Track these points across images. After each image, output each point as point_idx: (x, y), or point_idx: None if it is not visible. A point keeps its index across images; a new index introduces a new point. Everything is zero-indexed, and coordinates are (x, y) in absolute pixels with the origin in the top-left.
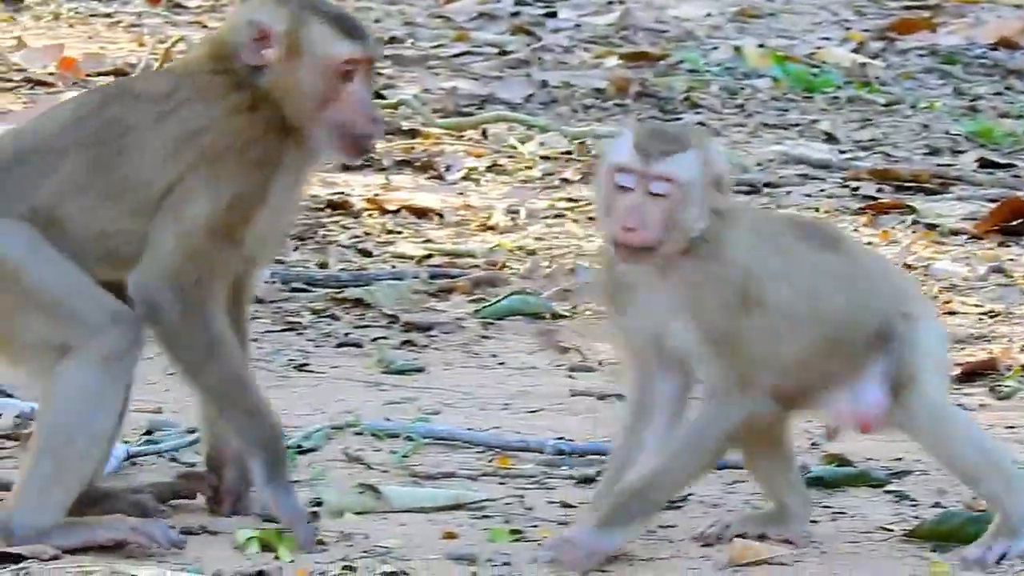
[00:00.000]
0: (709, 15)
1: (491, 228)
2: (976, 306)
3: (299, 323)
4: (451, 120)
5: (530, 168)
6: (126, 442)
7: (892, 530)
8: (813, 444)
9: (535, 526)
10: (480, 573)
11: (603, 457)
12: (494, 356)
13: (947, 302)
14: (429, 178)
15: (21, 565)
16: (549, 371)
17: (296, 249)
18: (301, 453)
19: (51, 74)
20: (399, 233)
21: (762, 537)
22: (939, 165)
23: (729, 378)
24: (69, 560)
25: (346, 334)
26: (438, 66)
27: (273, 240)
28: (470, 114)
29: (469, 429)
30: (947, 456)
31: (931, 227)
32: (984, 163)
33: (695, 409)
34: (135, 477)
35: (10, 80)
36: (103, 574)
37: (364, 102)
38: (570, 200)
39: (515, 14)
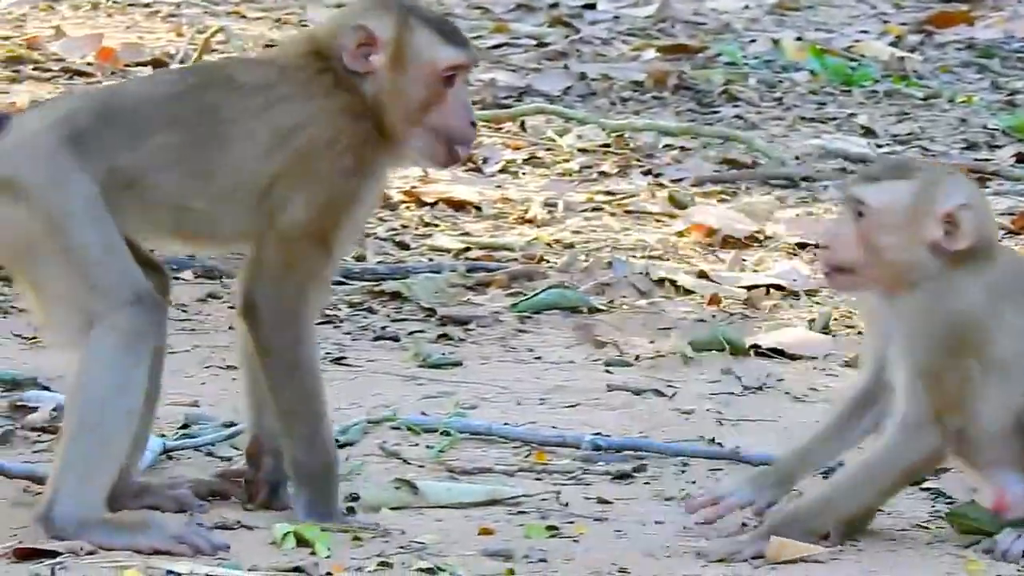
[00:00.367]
0: (747, 7)
1: (528, 221)
2: None
3: (336, 316)
4: (489, 112)
5: (568, 161)
6: (162, 436)
7: (928, 527)
8: None
9: (571, 522)
10: (516, 569)
11: (639, 452)
12: (531, 350)
13: None
14: (467, 170)
15: (57, 560)
16: (586, 366)
17: None
18: (339, 448)
19: (89, 64)
20: (436, 226)
21: None
22: (976, 160)
23: (923, 412)
24: (104, 556)
25: (383, 327)
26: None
27: (351, 242)
28: (508, 106)
29: (505, 424)
30: None
31: None
32: (1021, 158)
33: (881, 438)
34: (172, 471)
35: (48, 70)
36: (139, 570)
37: (466, 107)
38: (608, 193)
39: (553, 5)
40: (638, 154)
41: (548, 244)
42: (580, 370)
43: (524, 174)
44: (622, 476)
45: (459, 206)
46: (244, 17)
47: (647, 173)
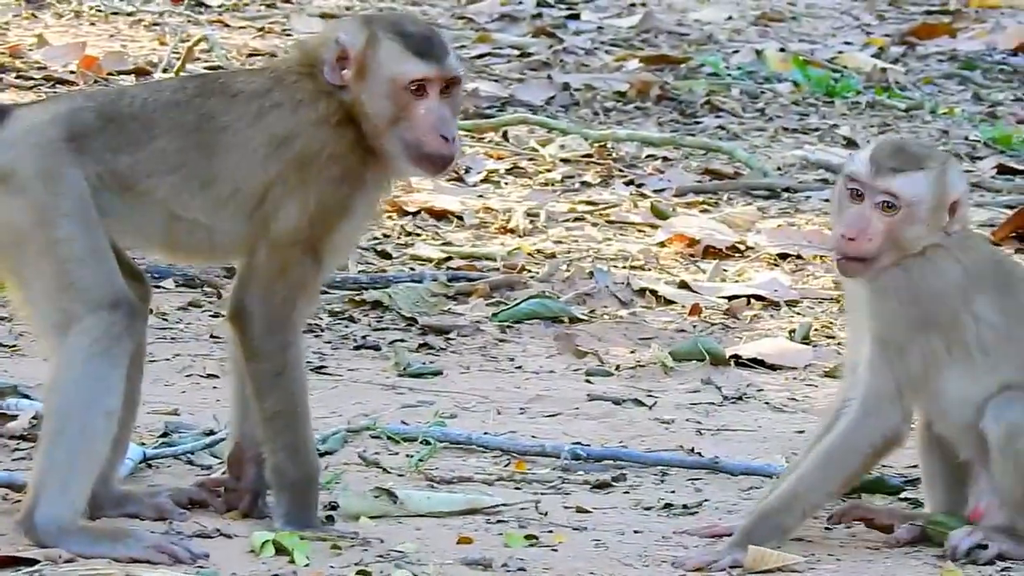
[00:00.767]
0: (730, 19)
1: (510, 231)
2: None
3: (317, 325)
4: (472, 122)
5: (550, 171)
6: (142, 444)
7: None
8: None
9: (550, 531)
10: None
11: (618, 462)
12: (511, 360)
13: None
14: (449, 180)
15: (35, 568)
16: (566, 375)
17: None
18: (319, 456)
19: (72, 72)
20: (418, 235)
21: None
22: None
23: (886, 389)
24: (82, 564)
25: (364, 336)
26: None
27: (345, 253)
28: (491, 116)
29: (485, 433)
30: None
31: None
32: (1002, 169)
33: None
34: (152, 479)
35: (31, 78)
36: None
37: (436, 121)
38: (590, 203)
39: (537, 16)
40: (620, 164)
41: (529, 254)
42: (560, 380)
43: (506, 184)
44: (601, 485)
45: (441, 216)
46: (227, 26)
47: (629, 183)
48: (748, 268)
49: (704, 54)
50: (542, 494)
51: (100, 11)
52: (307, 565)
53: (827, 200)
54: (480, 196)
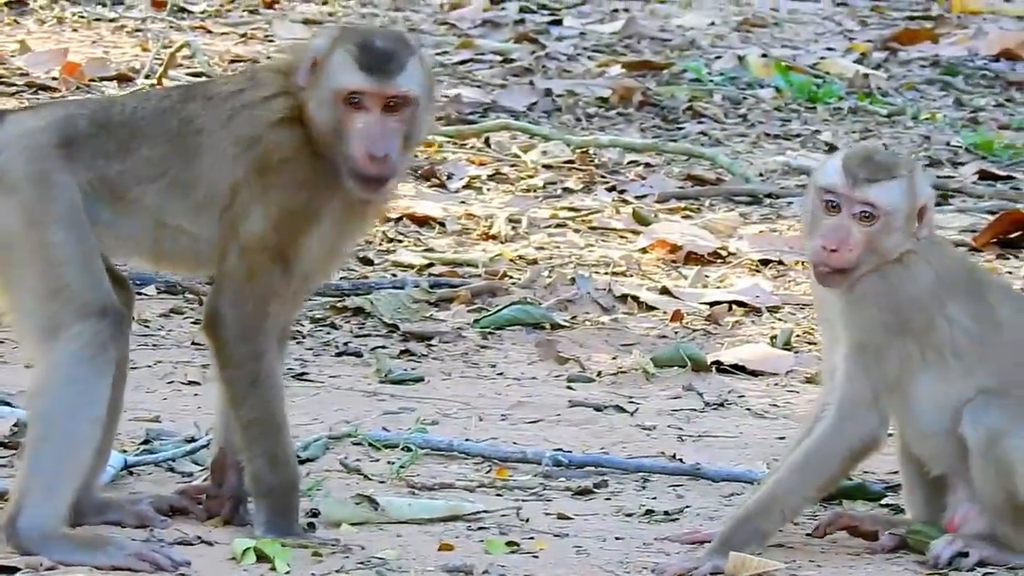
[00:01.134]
0: (713, 24)
1: (492, 237)
2: None
3: (298, 332)
4: (454, 128)
5: (532, 177)
6: (124, 451)
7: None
8: None
9: (531, 538)
10: None
11: (600, 468)
12: (493, 366)
13: None
14: (431, 186)
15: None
16: (548, 382)
17: None
18: (299, 463)
19: (54, 79)
20: (400, 241)
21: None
22: (939, 177)
23: (862, 393)
24: (63, 571)
25: (345, 343)
26: (442, 73)
27: (327, 266)
28: (473, 122)
29: (467, 440)
30: None
31: None
32: (984, 175)
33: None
34: (133, 487)
35: (13, 84)
36: None
37: (366, 137)
38: (572, 209)
39: (520, 22)
40: (602, 170)
41: (512, 260)
42: (542, 386)
43: (488, 190)
44: (583, 492)
45: (423, 222)
46: (210, 32)
47: (611, 189)
48: (730, 274)
49: (686, 60)
50: (523, 501)
51: (83, 17)
52: (288, 572)
53: None
54: (462, 202)
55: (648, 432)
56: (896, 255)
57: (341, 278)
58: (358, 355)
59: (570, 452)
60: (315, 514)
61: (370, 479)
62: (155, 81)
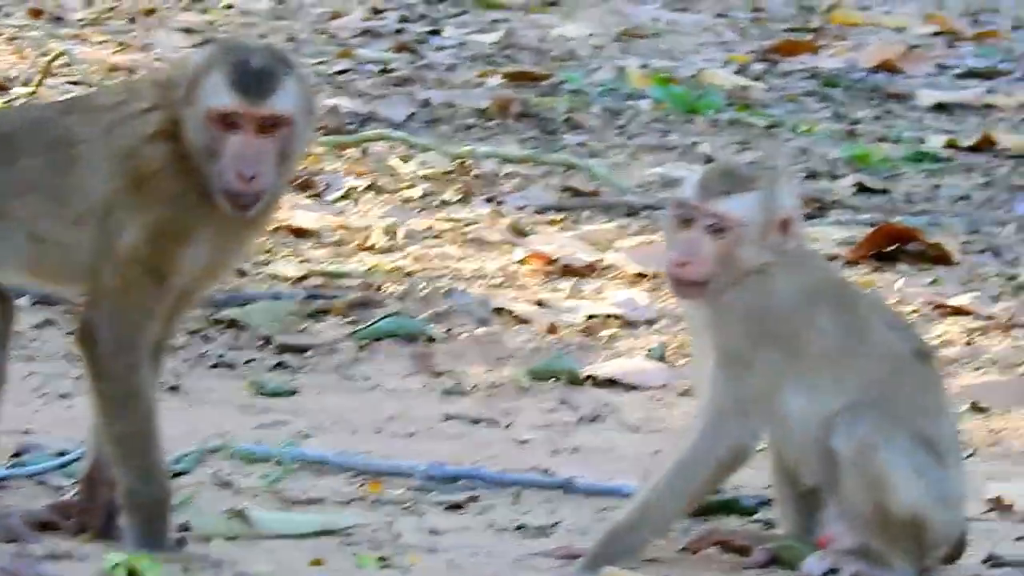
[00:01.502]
0: (593, 35)
1: (369, 249)
2: None
3: (173, 343)
4: (332, 138)
5: (410, 188)
6: None
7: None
8: None
9: (403, 553)
10: None
11: (473, 482)
12: (368, 379)
13: None
14: (308, 196)
15: None
16: (422, 395)
17: None
18: (172, 477)
19: None
20: (276, 252)
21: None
22: (817, 189)
23: (729, 404)
24: None
25: (220, 355)
26: (320, 83)
27: (206, 281)
28: (351, 132)
29: (340, 453)
30: None
31: None
32: (861, 188)
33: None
34: (3, 500)
35: None
36: None
37: (238, 158)
38: (449, 221)
39: (399, 31)
40: (480, 181)
41: (388, 272)
42: (417, 399)
43: (366, 201)
44: (455, 506)
45: (299, 233)
46: (87, 41)
47: (489, 201)
48: (606, 287)
49: (566, 71)
50: (396, 515)
51: None
52: None
53: None
54: (339, 213)
55: (522, 446)
56: (755, 267)
57: (216, 290)
58: (232, 368)
59: (443, 466)
60: (187, 528)
61: (242, 493)
62: (32, 90)
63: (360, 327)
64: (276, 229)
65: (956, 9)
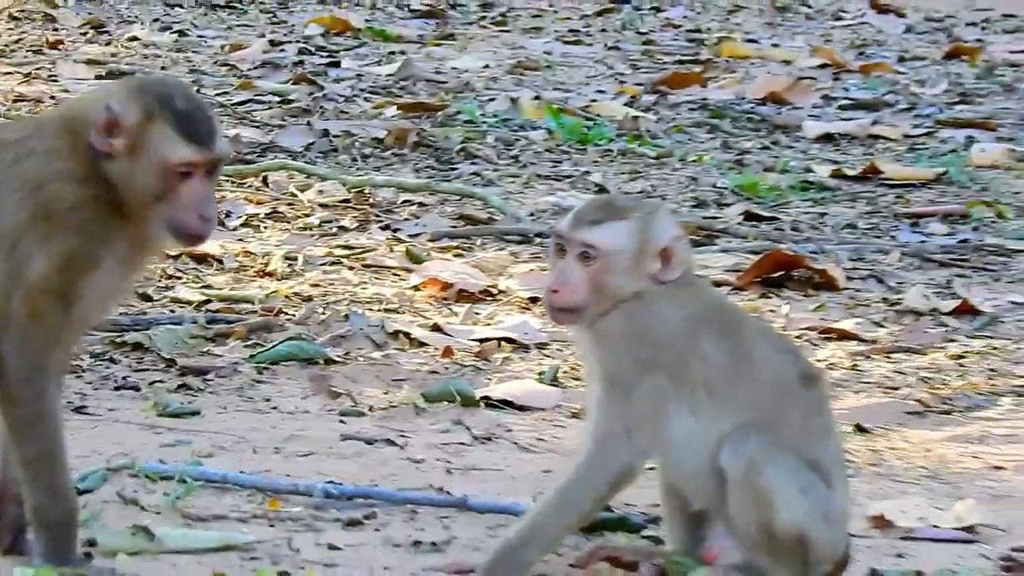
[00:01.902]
0: (487, 67)
1: (269, 274)
2: None
3: (78, 366)
4: (233, 168)
5: (309, 215)
6: None
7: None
8: None
9: (302, 568)
10: None
11: (369, 500)
12: (267, 400)
13: None
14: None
15: None
16: (321, 416)
17: None
18: (78, 494)
19: None
20: (178, 278)
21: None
22: (705, 217)
23: (614, 426)
24: None
25: (124, 377)
26: (221, 114)
27: (104, 308)
28: (251, 162)
29: (241, 472)
30: None
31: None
32: (748, 216)
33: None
34: None
35: None
36: None
37: (197, 203)
38: (347, 247)
39: (298, 63)
40: (377, 209)
41: (287, 297)
42: (315, 420)
43: (266, 228)
44: (353, 523)
45: (201, 259)
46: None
47: (386, 228)
48: (499, 311)
49: (461, 102)
50: (295, 532)
51: None
52: None
53: None
54: (240, 240)
55: (417, 465)
56: (630, 293)
57: (121, 314)
58: (136, 389)
59: (341, 484)
60: (92, 543)
61: (146, 510)
62: None
63: (260, 350)
64: (179, 255)
65: (843, 43)
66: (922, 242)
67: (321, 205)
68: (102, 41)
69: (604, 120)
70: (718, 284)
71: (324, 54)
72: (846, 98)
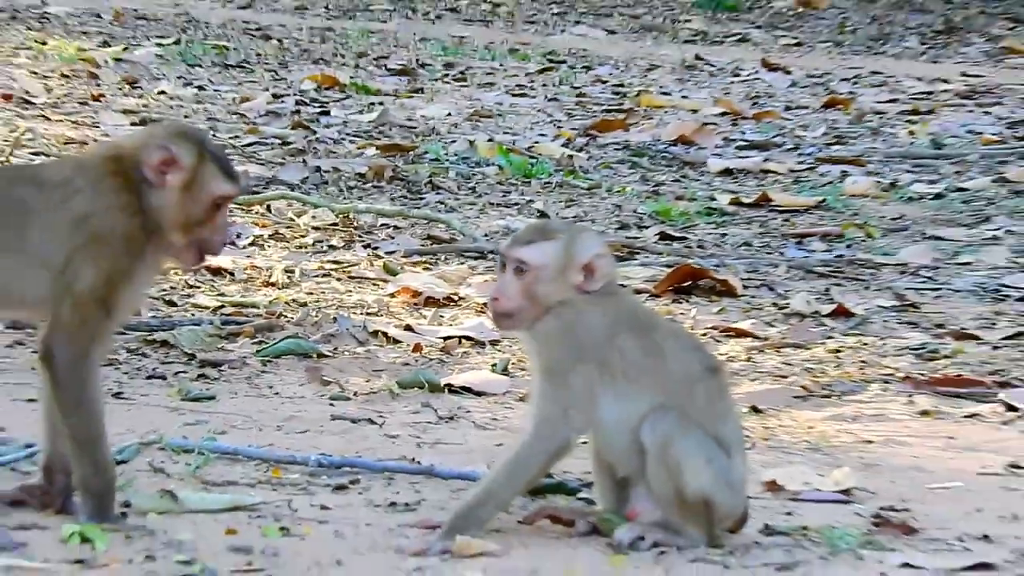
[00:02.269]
0: (450, 115)
1: (271, 284)
2: None
3: (116, 359)
4: (242, 198)
5: (304, 236)
6: None
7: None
8: None
9: (299, 524)
10: (254, 561)
11: (354, 469)
12: (271, 387)
13: None
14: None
15: None
16: (314, 400)
17: None
18: (116, 464)
19: None
20: (198, 288)
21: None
22: (628, 237)
23: (554, 409)
24: None
25: (153, 369)
26: (233, 153)
27: (134, 306)
28: (257, 192)
29: (249, 446)
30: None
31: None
32: (663, 236)
33: (521, 434)
34: None
35: None
36: None
37: (224, 227)
38: (335, 262)
39: (296, 112)
40: (360, 231)
41: (287, 303)
42: (309, 403)
43: (269, 247)
44: (340, 488)
45: (216, 272)
46: (48, 119)
47: (367, 246)
48: (460, 314)
49: (428, 143)
50: (293, 495)
51: None
52: (105, 551)
53: None
54: (248, 256)
55: (393, 440)
56: (556, 301)
57: (151, 317)
58: (163, 378)
59: (330, 456)
60: (127, 505)
61: (171, 477)
62: (4, 159)
63: (264, 346)
64: (198, 269)
65: (739, 95)
66: (805, 257)
67: (314, 228)
68: (136, 94)
69: (545, 158)
70: (638, 292)
71: (316, 105)
72: (742, 140)
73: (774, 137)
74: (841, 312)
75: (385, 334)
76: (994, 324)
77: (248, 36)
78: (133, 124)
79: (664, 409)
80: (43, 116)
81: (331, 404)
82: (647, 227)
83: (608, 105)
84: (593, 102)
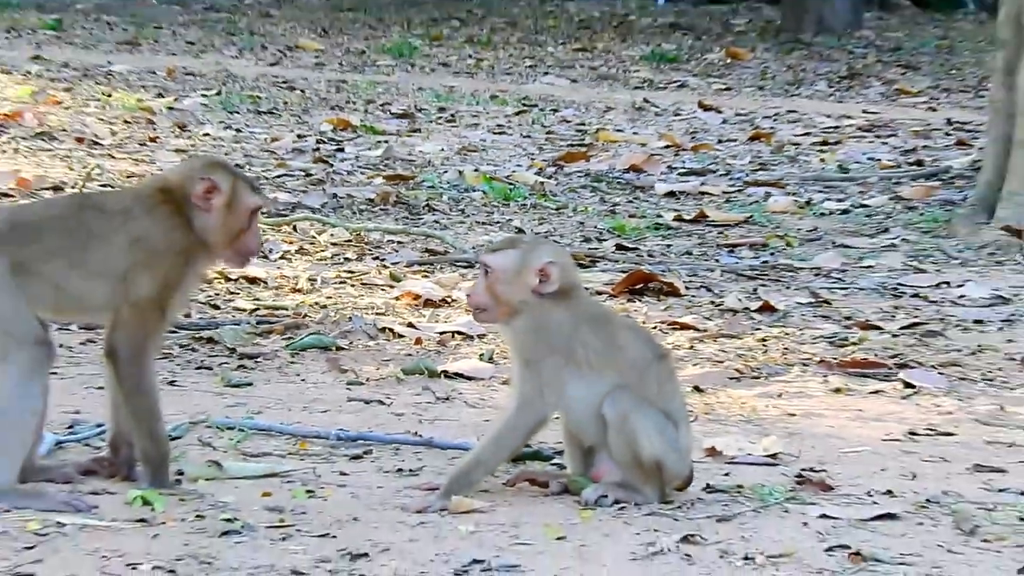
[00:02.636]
0: (443, 150)
1: (298, 291)
2: None
3: (170, 354)
4: (272, 219)
5: (324, 251)
6: (55, 433)
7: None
8: None
9: (322, 487)
10: (285, 518)
11: (368, 442)
12: (298, 375)
13: None
14: (259, 257)
15: None
16: (334, 385)
17: None
18: (170, 440)
19: (11, 188)
20: (237, 293)
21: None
22: (590, 248)
23: (531, 391)
24: (14, 513)
25: (201, 361)
26: (265, 183)
27: (183, 308)
28: (285, 215)
29: (281, 423)
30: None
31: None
32: (619, 247)
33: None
34: (61, 457)
35: None
36: (38, 521)
37: (258, 232)
38: (350, 272)
39: (316, 149)
40: (370, 246)
41: (310, 306)
42: (330, 388)
43: (295, 260)
44: (356, 457)
45: (252, 280)
46: (113, 157)
47: (376, 259)
48: (453, 313)
49: (425, 173)
50: (317, 463)
51: (30, 148)
52: (163, 511)
53: None
54: (278, 268)
55: (399, 417)
56: (520, 300)
57: (198, 318)
58: (210, 369)
59: (348, 431)
60: (181, 473)
61: (216, 450)
62: (78, 189)
63: (292, 341)
64: (237, 279)
65: (680, 130)
66: (736, 263)
67: (332, 243)
68: (185, 136)
69: (521, 184)
70: (599, 293)
71: (333, 143)
72: (683, 168)
73: (709, 165)
74: (767, 308)
75: (392, 330)
76: (893, 316)
77: (276, 87)
78: (182, 160)
79: (622, 389)
80: (109, 155)
81: (348, 388)
82: (605, 240)
83: (572, 140)
84: (560, 138)
